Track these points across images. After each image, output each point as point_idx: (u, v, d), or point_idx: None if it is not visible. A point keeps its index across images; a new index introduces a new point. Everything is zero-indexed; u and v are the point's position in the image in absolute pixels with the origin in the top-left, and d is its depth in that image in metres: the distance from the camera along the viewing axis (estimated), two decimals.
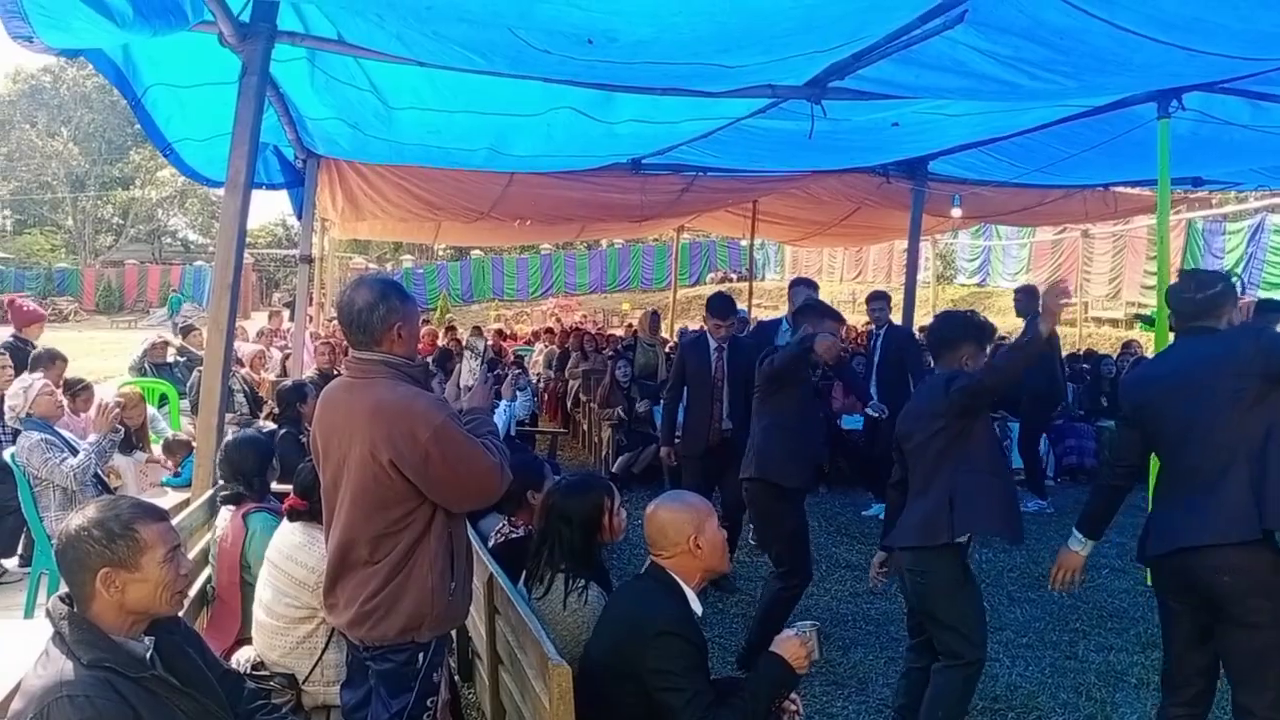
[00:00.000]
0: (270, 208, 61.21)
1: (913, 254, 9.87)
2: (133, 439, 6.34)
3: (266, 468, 3.80)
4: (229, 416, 7.46)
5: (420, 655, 2.61)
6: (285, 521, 3.43)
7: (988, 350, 3.77)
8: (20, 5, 3.02)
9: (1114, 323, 19.29)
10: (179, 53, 4.96)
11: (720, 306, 5.94)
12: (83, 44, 4.02)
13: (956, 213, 10.48)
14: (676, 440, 6.37)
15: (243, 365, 9.43)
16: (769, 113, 6.16)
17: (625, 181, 9.03)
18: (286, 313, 15.03)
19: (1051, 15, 3.90)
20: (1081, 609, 5.52)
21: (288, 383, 6.06)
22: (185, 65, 5.18)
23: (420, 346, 11.85)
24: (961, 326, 3.72)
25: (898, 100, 5.74)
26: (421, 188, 8.94)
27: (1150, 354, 7.82)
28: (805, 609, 5.49)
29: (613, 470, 8.73)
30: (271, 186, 8.52)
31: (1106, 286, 21.07)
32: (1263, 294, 18.71)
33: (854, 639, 5.08)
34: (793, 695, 2.83)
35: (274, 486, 3.96)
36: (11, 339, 7.42)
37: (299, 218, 9.25)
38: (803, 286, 6.48)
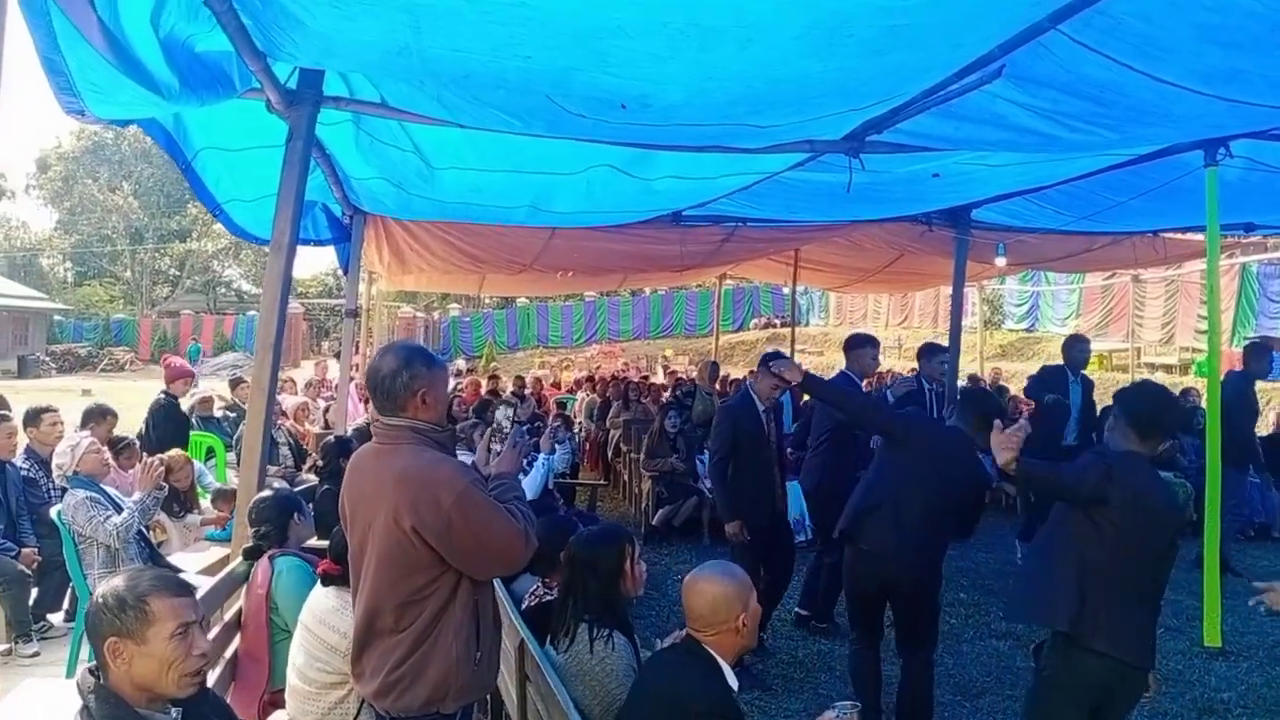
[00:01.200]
0: (321, 258, 62.41)
1: (956, 301, 9.77)
2: (182, 501, 6.44)
3: (289, 519, 3.85)
4: (273, 469, 7.58)
5: None
6: (319, 585, 3.45)
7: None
8: (71, 81, 3.13)
9: (1168, 368, 18.88)
10: (228, 118, 5.10)
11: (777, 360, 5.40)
12: (132, 115, 4.15)
13: (1001, 262, 10.36)
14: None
15: (287, 417, 9.57)
16: (807, 166, 6.16)
17: (666, 233, 9.06)
18: (333, 363, 15.25)
19: (1090, 69, 3.86)
20: None
21: (332, 437, 6.13)
22: (234, 129, 5.32)
23: (464, 396, 12.02)
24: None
25: (938, 152, 5.72)
26: (465, 241, 9.06)
27: (1205, 402, 7.60)
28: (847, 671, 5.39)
29: (653, 523, 8.68)
30: (320, 243, 8.70)
31: (1159, 332, 20.68)
32: None
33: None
34: None
35: (311, 543, 4.00)
36: (162, 395, 8.06)
37: (345, 273, 9.40)
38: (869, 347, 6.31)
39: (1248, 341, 12.00)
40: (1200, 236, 9.30)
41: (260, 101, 4.48)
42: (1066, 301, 23.98)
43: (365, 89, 4.70)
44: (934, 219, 9.01)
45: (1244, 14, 3.24)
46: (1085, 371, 8.63)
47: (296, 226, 4.72)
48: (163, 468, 5.14)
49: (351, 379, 9.62)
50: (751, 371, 6.38)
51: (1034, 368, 20.89)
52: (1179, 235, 10.42)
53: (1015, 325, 26.02)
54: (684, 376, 16.15)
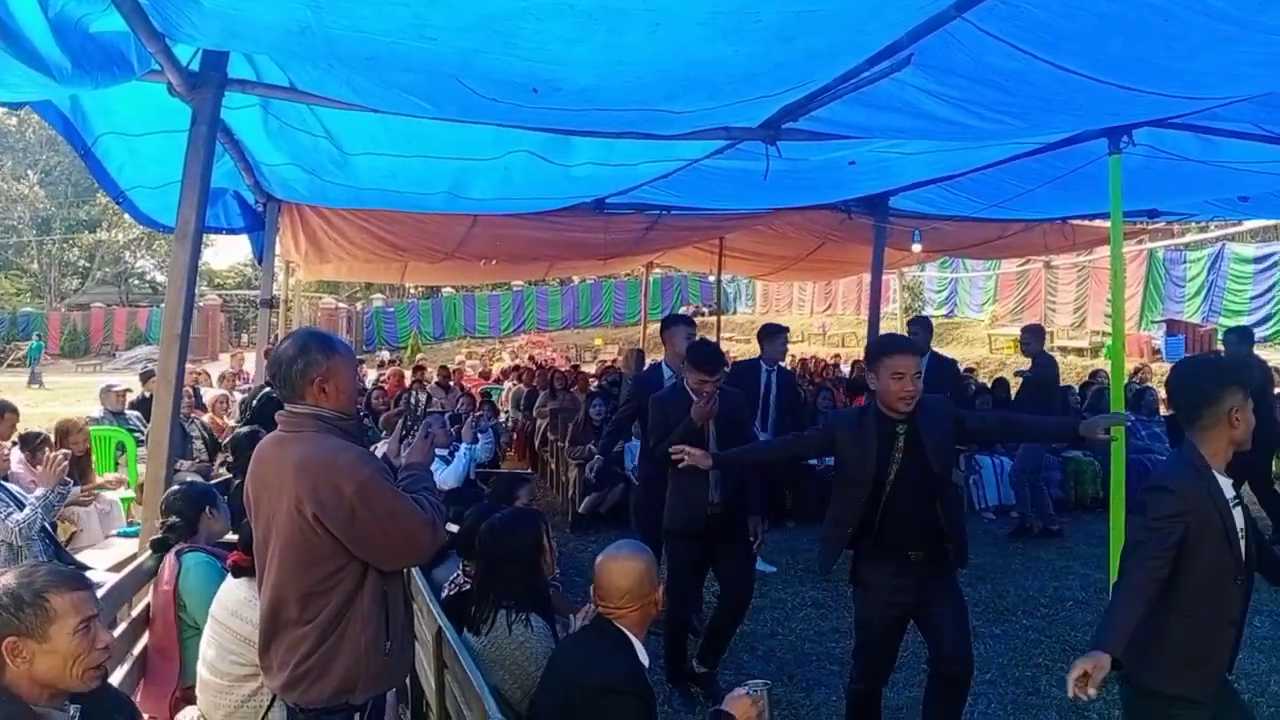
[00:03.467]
0: (239, 248, 60.87)
1: (875, 288, 9.94)
2: (79, 467, 6.25)
3: (200, 512, 3.75)
4: (187, 464, 7.38)
5: (356, 716, 2.56)
6: (230, 577, 3.38)
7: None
8: None
9: (1079, 352, 19.52)
10: (129, 101, 4.93)
11: (707, 358, 4.73)
12: (23, 97, 3.99)
13: (917, 248, 10.58)
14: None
15: (205, 411, 9.33)
16: (726, 153, 6.20)
17: (589, 221, 9.05)
18: (250, 355, 14.89)
19: (996, 58, 3.95)
20: (1045, 643, 5.52)
21: (242, 430, 5.97)
22: (136, 113, 5.15)
23: (388, 387, 11.84)
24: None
25: (853, 140, 5.81)
26: (384, 230, 8.92)
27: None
28: (770, 650, 5.47)
29: (579, 510, 8.67)
30: (232, 231, 8.48)
31: (1071, 316, 21.36)
32: (1225, 322, 19.04)
33: (817, 679, 5.03)
34: None
35: (228, 538, 3.91)
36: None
37: (259, 262, 9.19)
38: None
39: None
40: (1107, 223, 9.63)
41: (162, 85, 4.35)
42: (983, 288, 24.61)
43: (272, 72, 4.58)
44: (853, 207, 9.17)
45: (1142, 4, 3.35)
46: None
47: (202, 214, 4.59)
48: (65, 462, 4.96)
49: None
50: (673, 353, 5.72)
51: (952, 352, 21.44)
52: (1087, 222, 10.76)
53: (935, 311, 26.59)
54: (613, 366, 16.17)
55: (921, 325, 8.05)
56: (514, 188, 6.67)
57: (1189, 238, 18.47)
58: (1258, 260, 18.70)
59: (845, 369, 15.16)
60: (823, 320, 29.00)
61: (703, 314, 31.33)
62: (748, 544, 4.87)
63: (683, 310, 33.21)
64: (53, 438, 6.37)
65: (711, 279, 21.13)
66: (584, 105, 3.94)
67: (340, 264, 11.30)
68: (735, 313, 32.83)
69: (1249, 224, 14.22)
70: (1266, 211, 9.70)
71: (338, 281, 33.00)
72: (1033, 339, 8.30)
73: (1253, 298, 18.71)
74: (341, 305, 34.15)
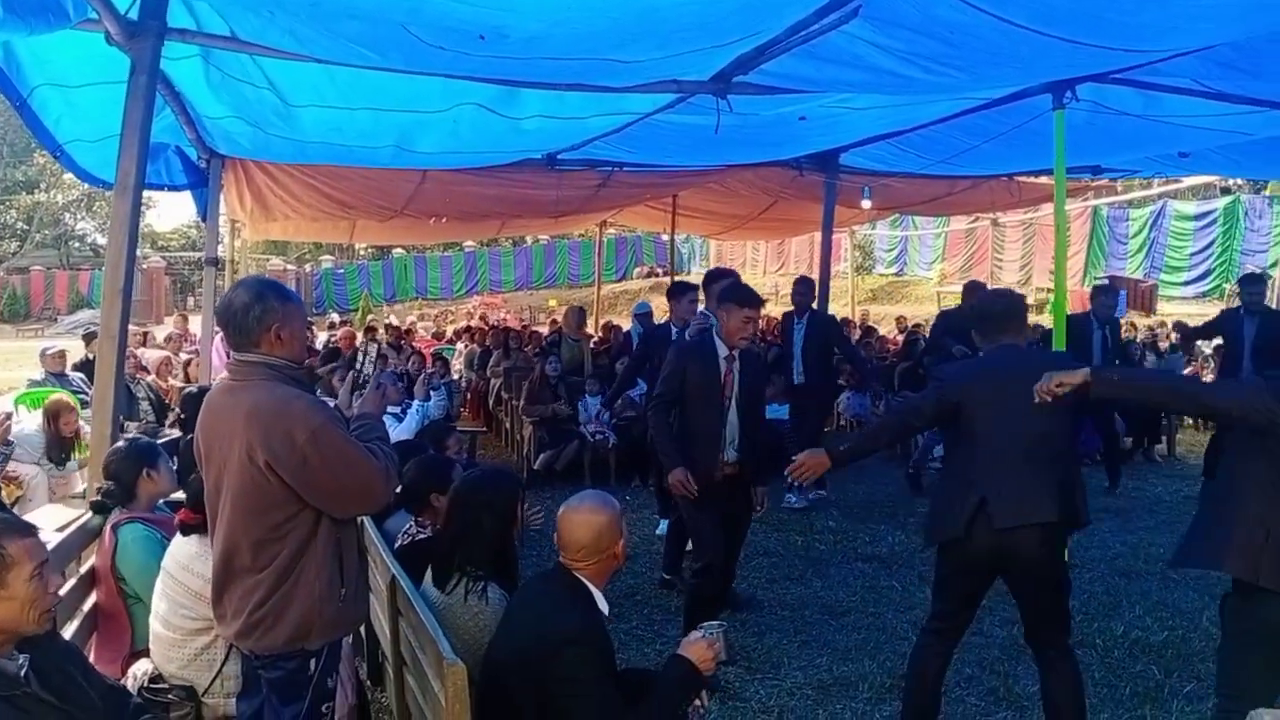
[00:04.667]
0: (183, 209, 59.50)
1: (826, 244, 10.02)
2: (65, 448, 6.16)
3: (137, 475, 3.64)
4: (134, 425, 7.27)
5: (312, 662, 2.57)
6: (179, 535, 3.35)
7: None
8: None
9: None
10: (66, 51, 4.79)
11: (751, 293, 4.71)
12: None
13: (866, 204, 10.67)
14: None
15: (148, 372, 9.18)
16: (677, 108, 6.19)
17: (541, 177, 8.99)
18: (196, 316, 14.65)
19: (941, 10, 3.98)
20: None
21: (192, 388, 5.92)
22: (73, 64, 5.00)
23: (340, 348, 11.72)
24: None
25: (803, 95, 5.82)
26: (332, 186, 8.78)
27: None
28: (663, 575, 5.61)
29: (535, 468, 8.71)
30: (174, 188, 8.30)
31: (1018, 273, 21.70)
32: (1165, 278, 19.50)
33: (769, 625, 5.15)
34: (701, 693, 2.85)
35: (173, 496, 3.86)
36: None
37: (204, 219, 9.01)
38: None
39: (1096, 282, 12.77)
40: (1052, 179, 9.79)
41: (99, 33, 4.22)
42: (932, 246, 24.90)
43: (213, 21, 4.47)
44: (804, 164, 9.20)
45: None
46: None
47: (143, 167, 4.49)
48: (8, 422, 4.87)
49: (216, 333, 9.28)
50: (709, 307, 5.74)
51: (902, 310, 21.71)
52: (1032, 179, 10.92)
53: (885, 270, 26.88)
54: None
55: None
56: (463, 141, 6.60)
57: (1132, 195, 18.83)
58: (1198, 217, 19.13)
59: None
60: (776, 280, 29.15)
61: (657, 274, 31.35)
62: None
63: (637, 270, 33.25)
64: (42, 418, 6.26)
65: (665, 238, 21.12)
66: (532, 54, 3.91)
67: (287, 223, 11.11)
68: (690, 272, 32.77)
69: (1189, 181, 14.50)
70: (1205, 167, 9.91)
71: (286, 242, 32.44)
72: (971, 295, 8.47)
73: (1192, 254, 19.16)
74: (290, 267, 33.57)
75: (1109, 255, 20.45)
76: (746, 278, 9.15)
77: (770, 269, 30.80)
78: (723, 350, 4.60)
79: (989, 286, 10.11)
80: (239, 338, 2.58)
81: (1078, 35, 4.32)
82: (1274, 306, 12.15)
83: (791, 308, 8.32)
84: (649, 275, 32.29)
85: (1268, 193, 18.93)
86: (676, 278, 13.50)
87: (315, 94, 5.55)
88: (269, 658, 2.57)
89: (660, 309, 13.47)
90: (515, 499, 3.15)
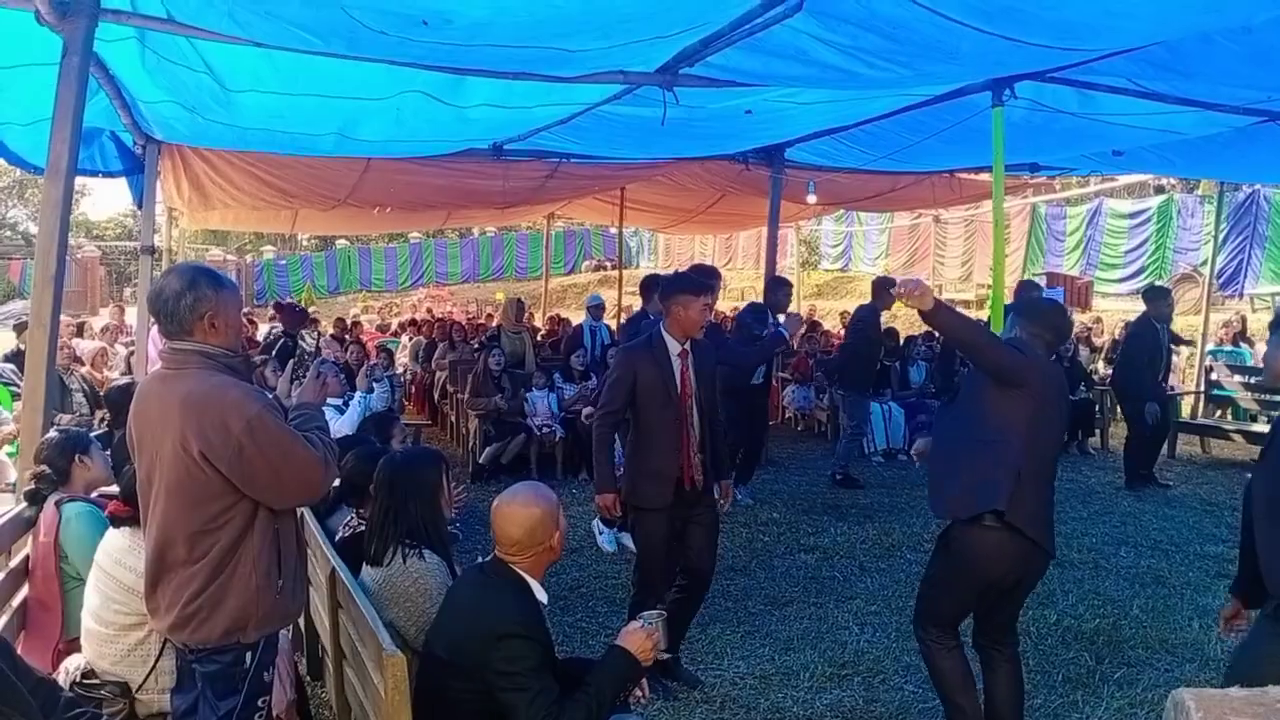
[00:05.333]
0: (119, 198, 57.92)
1: (772, 239, 10.10)
2: None
3: (70, 461, 3.60)
4: (68, 418, 7.07)
5: (248, 655, 2.53)
6: (112, 528, 3.28)
7: None
8: None
9: (966, 304, 20.22)
10: None
11: (697, 281, 4.41)
12: None
13: (811, 199, 10.76)
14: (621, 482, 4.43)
15: (83, 364, 8.94)
16: (625, 99, 6.19)
17: (487, 168, 8.92)
18: (130, 309, 14.30)
19: (883, 5, 4.03)
20: None
21: (118, 383, 5.76)
22: (3, 45, 4.84)
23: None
24: None
25: (749, 88, 5.85)
26: (272, 174, 8.61)
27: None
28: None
29: (480, 462, 8.66)
30: (109, 174, 8.09)
31: (959, 269, 22.07)
32: (1100, 274, 19.97)
33: (713, 616, 5.17)
34: (641, 682, 2.85)
35: (104, 490, 3.78)
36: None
37: (139, 207, 8.79)
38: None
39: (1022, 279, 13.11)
40: (991, 176, 9.97)
41: (29, 12, 4.09)
42: (877, 242, 25.20)
43: (149, 2, 4.36)
44: (750, 158, 9.26)
45: None
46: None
47: (75, 151, 4.35)
48: None
49: (152, 324, 9.06)
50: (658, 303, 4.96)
51: (847, 305, 21.93)
52: (973, 175, 11.10)
53: (831, 265, 27.14)
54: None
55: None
56: (407, 129, 6.52)
57: (1069, 193, 19.25)
58: (1132, 216, 19.60)
59: None
60: (723, 274, 29.29)
61: (605, 268, 31.32)
62: (716, 512, 4.40)
63: (585, 264, 33.17)
64: None
65: (614, 231, 21.11)
66: (477, 41, 3.88)
67: (226, 211, 10.88)
68: (638, 266, 32.82)
69: (1124, 180, 14.87)
70: (1139, 166, 10.15)
71: (226, 232, 31.81)
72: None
73: (1127, 251, 19.64)
74: (230, 258, 32.87)
75: (1047, 252, 20.87)
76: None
77: (718, 263, 30.90)
78: (675, 347, 4.24)
79: (932, 281, 10.29)
80: (171, 326, 2.52)
81: (1015, 33, 4.40)
82: (1205, 304, 12.51)
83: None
84: (597, 269, 32.24)
85: (1200, 192, 19.45)
86: (625, 271, 13.53)
87: (254, 79, 5.43)
88: (204, 651, 2.52)
89: (614, 302, 13.49)
90: (439, 476, 3.20)
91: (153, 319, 2.91)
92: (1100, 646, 4.80)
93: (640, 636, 2.67)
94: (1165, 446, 9.69)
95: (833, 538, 6.69)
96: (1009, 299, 7.10)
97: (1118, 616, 5.23)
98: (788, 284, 8.25)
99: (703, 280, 4.43)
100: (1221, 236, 14.73)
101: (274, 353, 8.67)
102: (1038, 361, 3.40)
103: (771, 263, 10.11)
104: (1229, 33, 4.67)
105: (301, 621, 4.09)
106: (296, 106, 5.83)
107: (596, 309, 10.81)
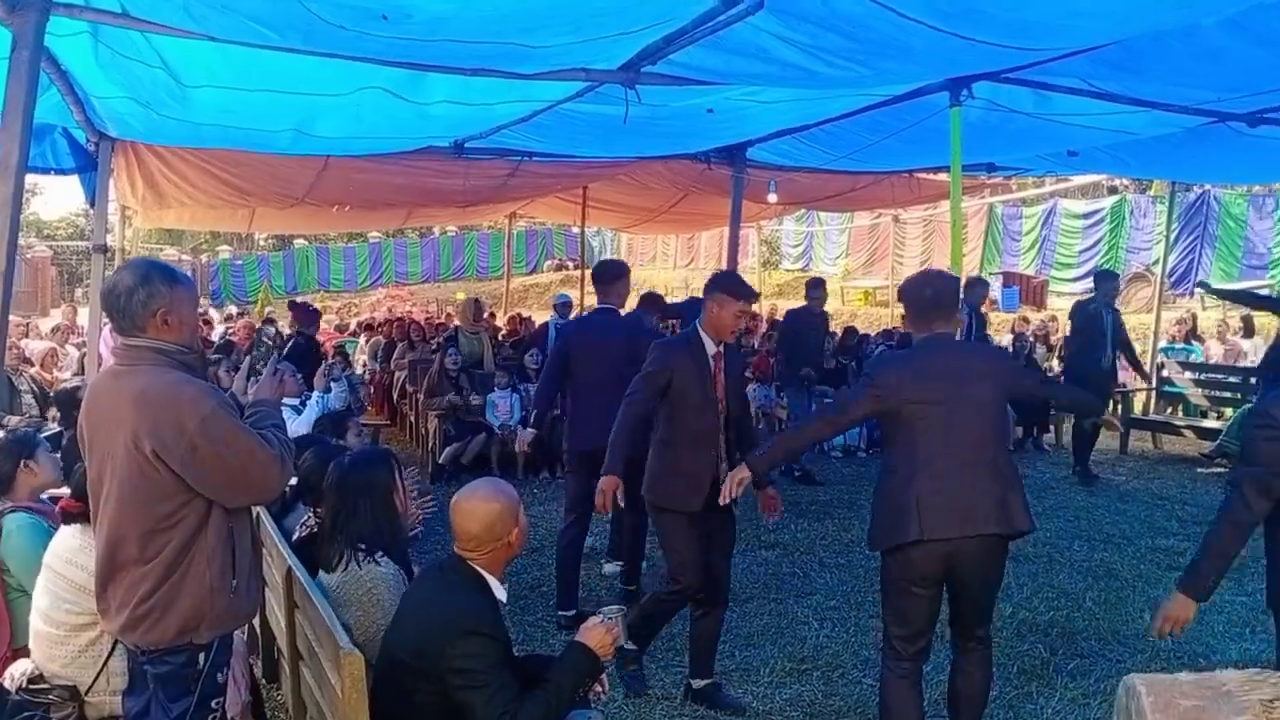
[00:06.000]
0: (72, 197, 56.80)
1: (733, 238, 10.12)
2: None
3: (15, 467, 3.50)
4: (16, 420, 6.92)
5: (201, 656, 2.49)
6: (64, 526, 3.22)
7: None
8: None
9: None
10: None
11: (742, 283, 4.20)
12: None
13: (772, 198, 10.82)
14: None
15: (32, 364, 8.76)
16: (586, 97, 6.18)
17: (449, 166, 8.86)
18: (83, 309, 14.04)
19: (842, 4, 4.06)
20: None
21: (67, 384, 5.65)
22: None
23: (237, 340, 11.37)
24: None
25: (711, 86, 5.87)
26: (228, 172, 8.49)
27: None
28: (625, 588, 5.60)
29: (440, 462, 8.61)
30: (61, 171, 7.93)
31: (917, 268, 22.27)
32: (1055, 274, 20.28)
33: None
34: (601, 677, 2.84)
35: (53, 492, 3.70)
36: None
37: (92, 205, 8.62)
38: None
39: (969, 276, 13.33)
40: (949, 176, 10.10)
41: None
42: (837, 242, 25.40)
43: None
44: (712, 157, 9.28)
45: None
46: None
47: (26, 146, 4.24)
48: None
49: (105, 324, 8.89)
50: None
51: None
52: (931, 175, 11.23)
53: (791, 265, 27.31)
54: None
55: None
56: (366, 126, 6.45)
57: (1025, 193, 19.54)
58: (1086, 216, 19.96)
59: None
60: (685, 274, 29.34)
61: (568, 267, 31.25)
62: (734, 526, 4.23)
63: (548, 264, 33.08)
64: None
65: (576, 231, 21.11)
66: (436, 36, 3.84)
67: (182, 210, 10.72)
68: None
69: (1078, 181, 15.13)
70: (1092, 166, 10.33)
71: (181, 231, 31.25)
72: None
73: (1081, 251, 20.00)
74: (185, 257, 32.34)
75: (1003, 252, 21.18)
76: (656, 271, 9.24)
77: (680, 263, 30.97)
78: (711, 347, 4.05)
79: (890, 281, 10.43)
80: (124, 322, 2.48)
81: (972, 32, 4.46)
82: (1157, 302, 12.75)
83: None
84: (559, 268, 32.15)
85: (1152, 193, 19.82)
86: (588, 272, 13.40)
87: (210, 74, 5.35)
88: (156, 652, 2.48)
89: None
90: (390, 476, 3.15)
91: (105, 317, 2.86)
92: (1054, 638, 4.88)
93: (600, 632, 2.67)
94: (1118, 443, 9.89)
95: (792, 534, 6.73)
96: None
97: (1071, 609, 5.31)
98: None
99: (745, 286, 4.16)
100: (1173, 236, 15.04)
101: (284, 353, 8.57)
102: (885, 374, 3.41)
103: (733, 262, 10.15)
104: (1180, 33, 4.76)
105: (257, 623, 4.05)
106: (252, 102, 5.74)
107: (563, 307, 10.80)
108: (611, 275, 5.64)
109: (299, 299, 29.99)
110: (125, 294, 2.45)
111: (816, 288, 9.56)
